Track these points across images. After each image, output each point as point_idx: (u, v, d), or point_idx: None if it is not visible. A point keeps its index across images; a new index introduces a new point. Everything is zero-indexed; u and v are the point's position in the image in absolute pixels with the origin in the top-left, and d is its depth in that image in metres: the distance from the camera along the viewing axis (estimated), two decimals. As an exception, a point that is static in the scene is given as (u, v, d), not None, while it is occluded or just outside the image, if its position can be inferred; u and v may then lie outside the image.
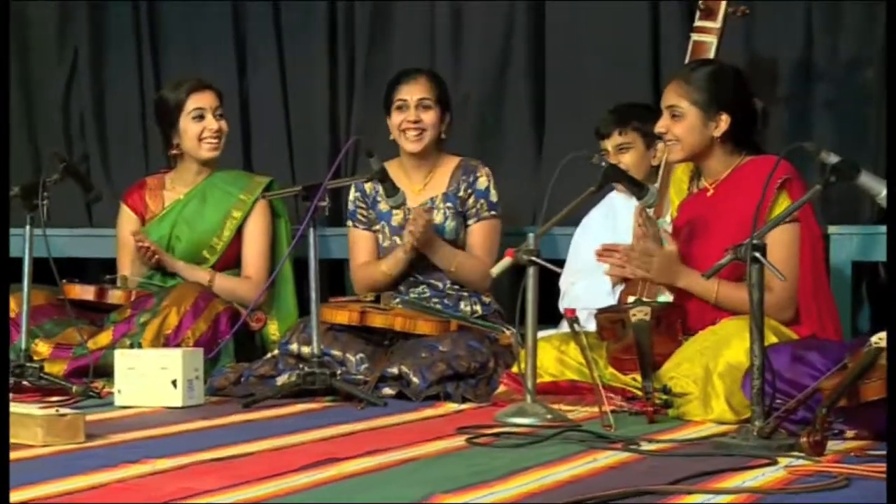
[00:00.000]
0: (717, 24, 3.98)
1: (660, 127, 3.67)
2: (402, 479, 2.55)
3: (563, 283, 4.16)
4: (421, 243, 4.05)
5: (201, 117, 4.32)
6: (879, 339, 2.88)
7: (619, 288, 3.83)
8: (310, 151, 5.13)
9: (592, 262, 3.79)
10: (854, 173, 3.01)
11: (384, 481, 2.52)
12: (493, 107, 4.93)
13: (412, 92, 4.15)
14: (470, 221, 4.18)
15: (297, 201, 4.00)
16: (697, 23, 4.03)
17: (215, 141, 4.36)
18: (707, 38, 3.98)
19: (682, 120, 3.62)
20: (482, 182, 4.18)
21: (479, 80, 4.92)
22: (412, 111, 4.13)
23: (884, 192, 3.03)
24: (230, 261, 4.39)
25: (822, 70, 4.46)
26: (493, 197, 4.18)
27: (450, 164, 4.23)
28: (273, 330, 4.32)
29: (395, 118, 4.16)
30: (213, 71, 4.89)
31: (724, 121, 3.61)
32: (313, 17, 5.14)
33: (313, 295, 3.65)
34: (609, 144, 4.17)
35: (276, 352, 3.99)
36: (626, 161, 4.11)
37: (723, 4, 3.98)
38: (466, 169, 4.20)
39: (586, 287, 4.05)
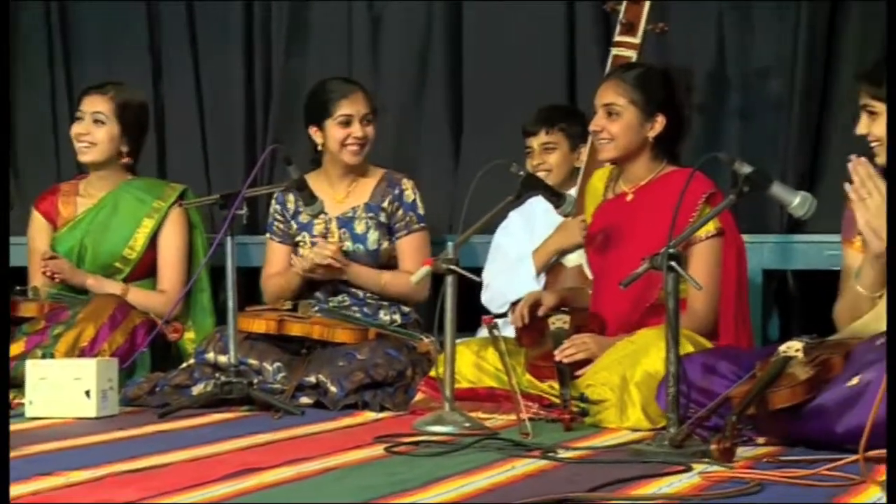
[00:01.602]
0: (636, 40, 4.08)
1: (595, 125, 3.68)
2: (321, 489, 2.55)
3: (486, 277, 4.23)
4: (338, 275, 4.07)
5: None
6: (787, 347, 2.94)
7: (543, 277, 3.90)
8: (226, 160, 5.11)
9: (514, 258, 3.83)
10: (767, 183, 3.06)
11: (303, 491, 2.52)
12: (411, 113, 4.95)
13: (356, 107, 4.14)
14: (399, 234, 4.18)
15: (212, 210, 3.98)
16: (618, 38, 4.13)
17: None
18: (627, 52, 4.08)
19: (619, 118, 3.65)
20: (409, 195, 4.19)
21: (397, 86, 4.94)
22: (358, 126, 4.13)
23: (795, 202, 3.08)
24: (145, 271, 4.34)
25: (735, 80, 4.54)
26: (421, 209, 4.20)
27: (374, 175, 4.24)
28: (190, 340, 4.29)
29: (338, 132, 4.13)
30: (127, 76, 4.83)
31: (660, 122, 3.65)
32: (229, 22, 5.12)
33: (230, 304, 3.64)
34: (535, 143, 4.24)
35: (191, 361, 3.96)
36: (551, 161, 4.20)
37: (643, 21, 4.07)
38: (391, 181, 4.21)
39: (509, 280, 4.10)
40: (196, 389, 3.80)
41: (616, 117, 3.65)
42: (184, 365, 3.99)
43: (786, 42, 4.44)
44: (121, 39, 5.22)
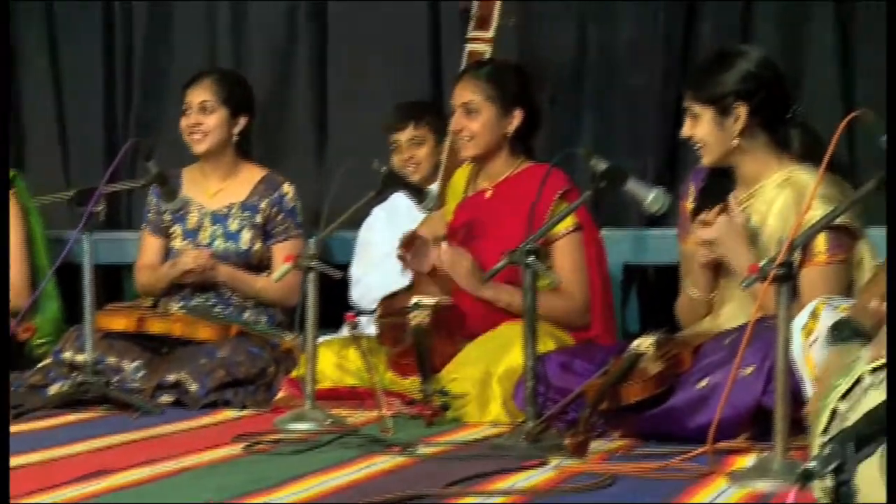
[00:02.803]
0: (489, 34, 4.13)
1: (455, 125, 3.71)
2: (177, 489, 2.54)
3: (354, 273, 4.26)
4: (211, 278, 4.04)
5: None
6: (639, 344, 3.00)
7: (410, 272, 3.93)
8: (85, 153, 5.03)
9: (381, 254, 3.86)
10: (622, 179, 3.11)
11: (158, 492, 2.50)
12: (276, 110, 4.94)
13: (194, 95, 4.12)
14: (275, 239, 4.14)
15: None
16: (471, 33, 4.17)
17: None
18: (481, 46, 4.12)
19: (479, 116, 3.68)
20: (289, 201, 4.15)
21: (262, 82, 4.91)
22: (194, 115, 4.10)
23: (650, 198, 3.14)
24: None
25: (593, 73, 4.61)
26: (300, 216, 4.17)
27: (253, 174, 4.19)
28: (35, 338, 4.21)
29: (182, 121, 4.12)
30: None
31: (518, 117, 3.69)
32: (89, 13, 5.04)
33: (87, 301, 3.58)
34: (402, 137, 4.26)
35: (48, 360, 3.89)
36: (420, 154, 4.24)
37: (495, 15, 4.11)
38: (271, 183, 4.17)
39: (380, 278, 4.12)
40: (52, 389, 3.75)
41: (475, 115, 3.68)
42: (40, 364, 3.92)
43: (645, 34, 4.52)
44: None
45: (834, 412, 1.65)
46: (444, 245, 3.62)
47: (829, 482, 1.32)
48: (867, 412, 1.50)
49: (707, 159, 3.23)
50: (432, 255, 3.63)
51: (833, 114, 3.97)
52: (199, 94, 4.11)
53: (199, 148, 4.12)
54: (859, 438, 1.38)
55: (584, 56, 4.62)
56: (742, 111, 3.16)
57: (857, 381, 1.66)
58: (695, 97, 3.20)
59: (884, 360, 1.66)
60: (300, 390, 3.43)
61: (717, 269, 3.24)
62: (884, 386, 1.61)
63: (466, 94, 3.69)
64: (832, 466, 1.33)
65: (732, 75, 3.18)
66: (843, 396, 1.65)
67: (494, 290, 3.57)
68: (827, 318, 2.73)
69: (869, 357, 1.70)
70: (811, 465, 1.33)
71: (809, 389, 2.72)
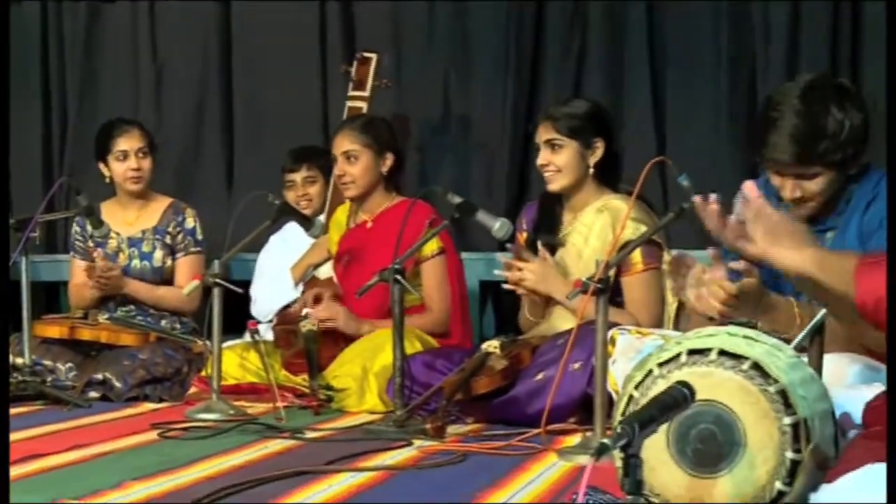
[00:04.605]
0: (366, 93, 4.19)
1: (339, 171, 3.72)
2: (99, 470, 2.51)
3: (254, 291, 4.25)
4: (118, 290, 3.99)
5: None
6: (487, 345, 3.05)
7: (301, 287, 3.93)
8: (26, 189, 4.94)
9: (276, 273, 3.89)
10: (472, 211, 3.16)
11: (83, 473, 2.47)
12: (191, 151, 4.92)
13: (130, 143, 4.05)
14: (178, 255, 4.11)
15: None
16: (350, 92, 4.22)
17: None
18: (359, 103, 4.18)
19: (358, 162, 3.69)
20: (190, 222, 4.12)
21: (179, 126, 4.90)
22: (133, 160, 4.04)
23: (496, 226, 3.20)
24: None
25: (455, 126, 4.68)
26: (199, 235, 4.14)
27: (161, 202, 4.15)
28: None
29: (118, 166, 4.05)
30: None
31: (390, 159, 3.72)
32: (28, 72, 4.97)
33: (25, 313, 3.53)
34: (298, 177, 4.26)
35: (-8, 363, 3.81)
36: (312, 191, 4.24)
37: (370, 79, 4.18)
38: (176, 209, 4.14)
39: (273, 293, 4.12)
40: (-4, 387, 3.66)
41: (355, 161, 3.71)
42: (-15, 366, 3.83)
43: (497, 97, 4.61)
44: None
45: (630, 398, 1.71)
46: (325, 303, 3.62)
47: (620, 455, 1.37)
48: (652, 398, 1.56)
49: (556, 185, 3.27)
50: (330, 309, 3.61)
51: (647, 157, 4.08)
52: (136, 142, 4.05)
53: (138, 188, 4.07)
54: (643, 419, 1.43)
55: (447, 112, 4.69)
56: (600, 145, 3.24)
57: (649, 373, 1.72)
58: (557, 129, 3.25)
59: (672, 354, 1.72)
60: (208, 386, 3.40)
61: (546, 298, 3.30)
62: (671, 376, 1.67)
63: (346, 143, 3.72)
64: (621, 443, 1.38)
65: (593, 113, 3.26)
66: (637, 386, 1.71)
67: (371, 324, 3.60)
68: (621, 343, 2.82)
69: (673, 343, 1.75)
70: (605, 440, 1.37)
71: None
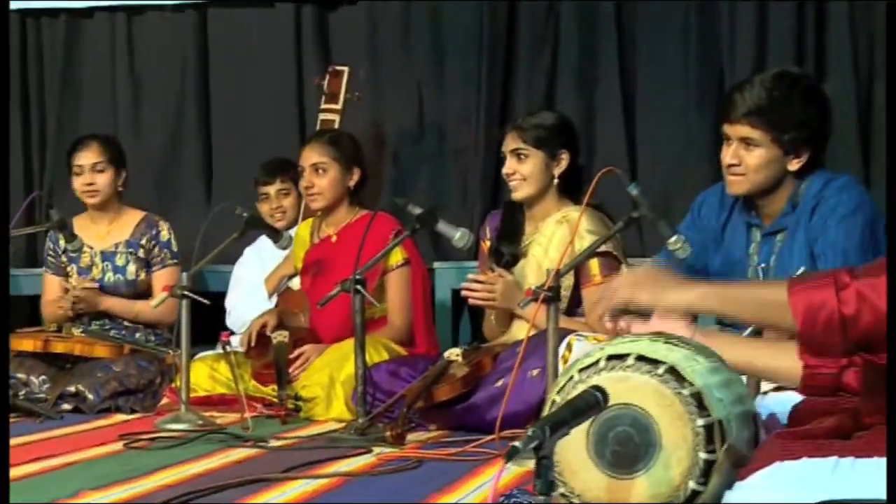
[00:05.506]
0: (338, 106, 4.28)
1: (306, 182, 3.80)
2: (59, 480, 2.58)
3: (229, 303, 4.31)
4: (94, 308, 4.05)
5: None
6: (449, 353, 3.12)
7: (275, 298, 4.00)
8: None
9: (250, 286, 3.94)
10: (434, 221, 3.23)
11: (42, 484, 2.54)
12: (170, 162, 4.99)
13: (86, 158, 4.11)
14: (154, 268, 4.17)
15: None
16: (323, 105, 4.30)
17: None
18: (331, 116, 4.27)
19: (326, 174, 3.77)
20: (164, 235, 4.18)
21: (158, 138, 4.98)
22: (87, 175, 4.11)
23: (457, 236, 3.27)
24: None
25: (429, 134, 4.75)
26: (175, 247, 4.21)
27: (134, 216, 4.21)
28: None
29: (75, 181, 4.12)
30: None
31: (357, 174, 3.81)
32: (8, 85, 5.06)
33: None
34: (272, 190, 4.32)
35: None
36: (286, 203, 4.30)
37: (343, 92, 4.26)
38: (150, 223, 4.20)
39: (247, 304, 4.18)
40: (-31, 401, 3.73)
41: (323, 173, 3.78)
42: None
43: (470, 105, 4.69)
44: None
45: (553, 403, 1.79)
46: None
47: (532, 458, 1.44)
48: (565, 401, 1.64)
49: (521, 194, 3.35)
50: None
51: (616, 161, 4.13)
52: (91, 157, 4.12)
53: (94, 201, 4.13)
54: (554, 422, 1.50)
55: (421, 121, 4.76)
56: (565, 157, 3.33)
57: (570, 378, 1.80)
58: (524, 140, 3.33)
59: (593, 360, 1.80)
60: (178, 397, 3.48)
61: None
62: (589, 381, 1.75)
63: (314, 156, 3.79)
64: (532, 445, 1.45)
65: (560, 126, 3.35)
66: (559, 391, 1.79)
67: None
68: (577, 348, 2.91)
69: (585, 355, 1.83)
70: (516, 444, 1.44)
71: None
